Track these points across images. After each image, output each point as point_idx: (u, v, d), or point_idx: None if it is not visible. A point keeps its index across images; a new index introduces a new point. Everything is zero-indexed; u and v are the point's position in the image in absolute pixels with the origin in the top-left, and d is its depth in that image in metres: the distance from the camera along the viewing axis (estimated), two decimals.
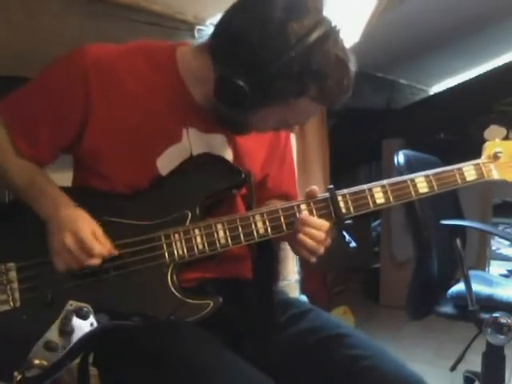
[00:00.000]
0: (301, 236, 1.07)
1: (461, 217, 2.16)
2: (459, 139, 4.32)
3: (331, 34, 1.00)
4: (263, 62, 0.97)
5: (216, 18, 2.31)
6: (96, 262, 1.02)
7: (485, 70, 4.42)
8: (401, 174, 1.90)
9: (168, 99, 1.10)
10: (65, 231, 1.01)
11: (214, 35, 1.05)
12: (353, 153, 4.24)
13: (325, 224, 1.08)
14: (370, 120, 4.19)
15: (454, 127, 4.45)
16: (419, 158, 2.08)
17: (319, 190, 1.11)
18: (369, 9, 2.48)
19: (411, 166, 1.94)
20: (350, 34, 2.40)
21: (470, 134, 4.15)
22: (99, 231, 1.04)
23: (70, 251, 1.01)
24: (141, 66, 1.10)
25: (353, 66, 1.04)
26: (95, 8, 1.76)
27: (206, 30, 2.20)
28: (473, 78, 4.44)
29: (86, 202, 1.09)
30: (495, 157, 1.20)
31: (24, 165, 1.10)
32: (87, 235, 1.01)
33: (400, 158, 1.97)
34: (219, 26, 1.04)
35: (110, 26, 1.80)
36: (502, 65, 4.32)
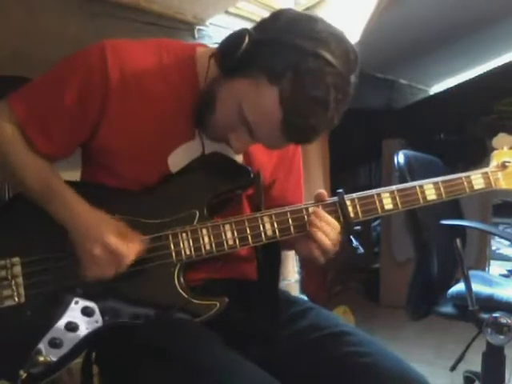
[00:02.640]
0: (315, 231, 1.06)
1: (461, 217, 2.16)
2: (459, 139, 4.33)
3: (342, 79, 0.97)
4: (275, 31, 0.97)
5: (216, 19, 2.32)
6: (130, 262, 1.02)
7: (485, 70, 4.42)
8: (401, 174, 1.93)
9: (184, 97, 1.10)
10: (91, 242, 1.00)
11: None
12: (353, 153, 4.24)
13: (336, 223, 1.08)
14: (370, 120, 4.19)
15: (453, 127, 4.45)
16: (419, 158, 2.08)
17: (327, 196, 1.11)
18: (369, 9, 2.48)
19: (411, 167, 1.94)
20: (350, 34, 2.40)
21: (470, 134, 4.16)
22: (123, 229, 1.03)
23: (101, 262, 1.00)
24: (159, 63, 1.09)
25: (330, 122, 0.99)
26: (95, 8, 1.76)
27: (206, 30, 2.20)
28: (473, 78, 4.44)
29: (94, 197, 1.08)
30: (503, 166, 1.19)
31: (38, 165, 1.08)
32: (114, 241, 1.00)
33: (400, 158, 1.97)
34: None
35: (110, 26, 1.80)
36: (502, 65, 4.32)
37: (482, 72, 4.44)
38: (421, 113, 4.39)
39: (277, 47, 0.96)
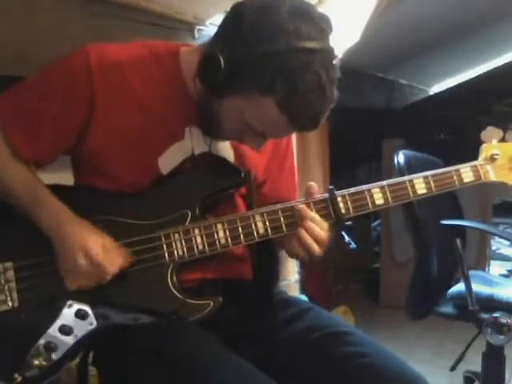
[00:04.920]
0: (300, 231, 1.06)
1: (461, 217, 2.16)
2: (459, 139, 4.33)
3: (325, 55, 0.97)
4: (246, 43, 0.96)
5: (216, 19, 2.31)
6: (111, 276, 1.02)
7: (485, 70, 4.42)
8: (401, 174, 1.93)
9: (171, 97, 1.10)
10: (75, 251, 1.00)
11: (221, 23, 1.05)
12: (353, 153, 4.24)
13: (322, 222, 1.07)
14: (370, 120, 4.19)
15: (453, 127, 4.46)
16: (419, 158, 2.08)
17: (319, 191, 1.11)
18: (369, 9, 2.48)
19: (411, 166, 1.94)
20: (350, 34, 2.40)
21: (470, 134, 4.16)
22: (108, 242, 1.03)
23: (83, 272, 1.00)
24: (145, 64, 1.09)
25: (331, 100, 0.99)
26: (95, 8, 1.76)
27: (206, 30, 2.20)
28: (473, 78, 4.45)
29: (86, 200, 1.09)
30: (492, 159, 1.20)
31: (23, 173, 1.07)
32: (99, 253, 1.00)
33: (400, 158, 1.97)
34: (228, 12, 1.04)
35: (110, 26, 1.80)
36: (502, 65, 4.33)
37: (482, 72, 4.44)
38: (421, 113, 4.40)
39: (255, 61, 0.95)
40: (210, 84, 1.01)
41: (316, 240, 1.06)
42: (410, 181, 1.14)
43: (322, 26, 0.98)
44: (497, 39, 3.79)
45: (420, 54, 3.69)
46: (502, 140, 1.23)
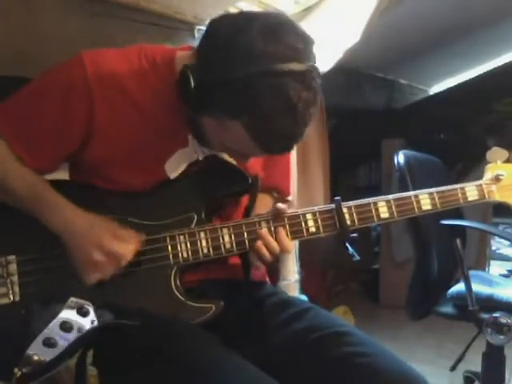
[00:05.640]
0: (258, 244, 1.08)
1: (461, 217, 2.16)
2: (459, 139, 4.33)
3: (299, 77, 0.92)
4: (214, 67, 0.95)
5: None
6: (128, 261, 1.03)
7: (485, 70, 4.42)
8: (401, 174, 1.93)
9: (168, 104, 1.09)
10: (88, 247, 1.01)
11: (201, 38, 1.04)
12: (353, 153, 4.24)
13: (287, 243, 1.09)
14: (370, 120, 4.19)
15: (453, 127, 4.45)
16: (419, 158, 2.08)
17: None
18: (369, 9, 2.47)
19: (411, 167, 1.94)
20: (350, 34, 2.40)
21: (470, 134, 4.16)
22: (117, 229, 1.03)
23: (101, 265, 1.01)
24: (141, 72, 1.09)
25: (304, 124, 0.96)
26: (95, 8, 1.75)
27: None
28: (473, 78, 4.45)
29: (91, 198, 1.08)
30: (497, 179, 1.22)
31: (22, 169, 1.07)
32: (112, 243, 1.01)
33: (400, 158, 1.97)
34: (206, 29, 1.03)
35: (110, 26, 1.80)
36: (502, 65, 4.32)
37: (481, 72, 4.44)
38: (421, 113, 4.39)
39: (222, 86, 0.94)
40: (185, 102, 1.01)
41: (269, 252, 1.08)
42: (416, 196, 1.16)
43: (295, 46, 0.94)
44: (497, 39, 3.78)
45: (420, 53, 3.68)
46: (507, 161, 1.25)
